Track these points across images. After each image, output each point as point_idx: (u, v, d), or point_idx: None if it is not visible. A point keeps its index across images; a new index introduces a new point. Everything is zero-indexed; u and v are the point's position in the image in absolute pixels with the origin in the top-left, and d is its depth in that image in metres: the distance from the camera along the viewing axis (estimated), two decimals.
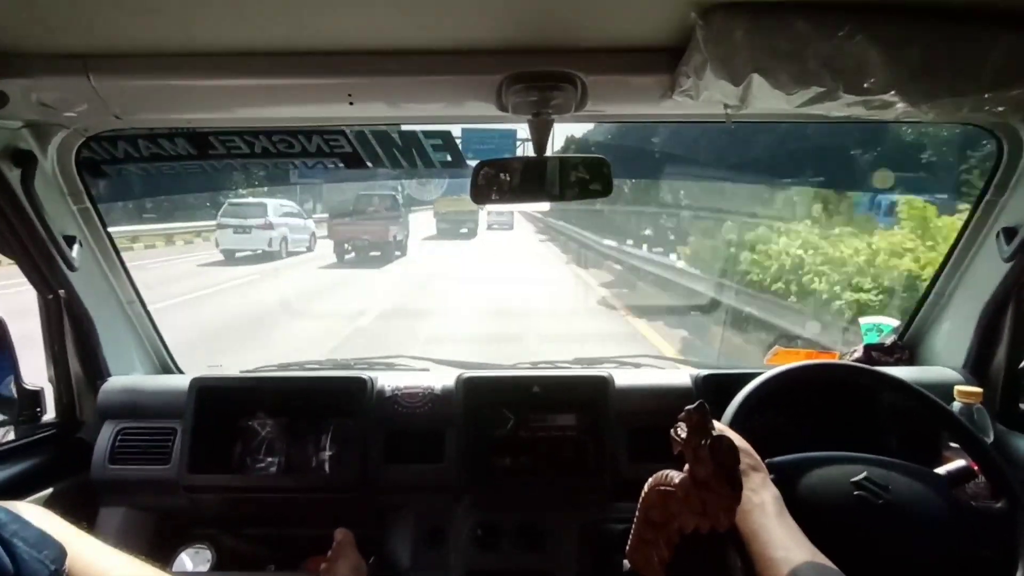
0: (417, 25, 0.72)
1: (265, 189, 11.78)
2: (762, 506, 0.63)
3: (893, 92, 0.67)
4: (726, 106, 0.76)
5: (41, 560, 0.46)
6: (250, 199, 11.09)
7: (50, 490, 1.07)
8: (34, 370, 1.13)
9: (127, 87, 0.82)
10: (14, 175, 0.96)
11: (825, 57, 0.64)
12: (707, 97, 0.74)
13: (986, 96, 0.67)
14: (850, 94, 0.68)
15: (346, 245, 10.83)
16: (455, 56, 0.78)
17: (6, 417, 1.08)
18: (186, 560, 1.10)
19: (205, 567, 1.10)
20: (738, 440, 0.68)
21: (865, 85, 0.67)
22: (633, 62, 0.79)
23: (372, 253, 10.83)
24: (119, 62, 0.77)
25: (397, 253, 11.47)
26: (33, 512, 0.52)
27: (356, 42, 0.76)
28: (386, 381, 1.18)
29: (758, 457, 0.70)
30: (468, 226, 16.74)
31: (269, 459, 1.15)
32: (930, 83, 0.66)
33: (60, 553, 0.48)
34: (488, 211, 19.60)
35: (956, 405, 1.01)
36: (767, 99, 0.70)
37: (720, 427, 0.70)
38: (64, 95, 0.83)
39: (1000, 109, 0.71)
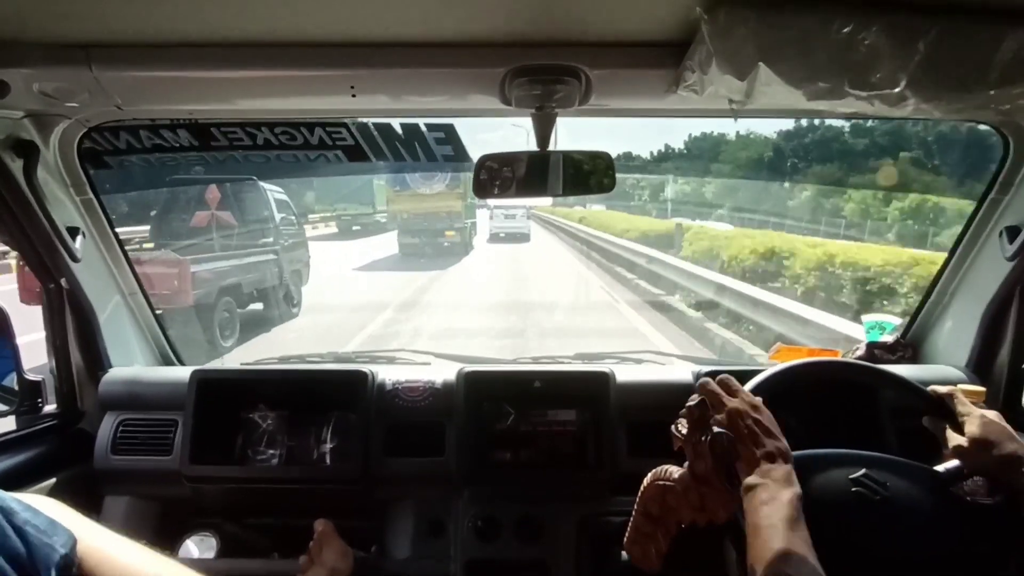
0: (421, 17, 0.71)
1: None
2: (777, 504, 0.58)
3: (900, 88, 0.66)
4: (731, 101, 0.76)
5: (51, 544, 0.47)
6: None
7: (53, 480, 1.08)
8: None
9: (129, 77, 0.81)
10: (16, 165, 0.96)
11: (832, 52, 0.64)
12: (712, 92, 0.74)
13: (993, 93, 0.67)
14: (856, 89, 0.67)
15: None
16: (458, 48, 0.77)
17: (8, 407, 1.09)
18: (191, 547, 1.11)
19: (210, 554, 1.11)
20: (767, 420, 0.66)
21: (872, 80, 0.66)
22: (638, 56, 0.78)
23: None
24: (121, 52, 0.77)
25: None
26: (44, 503, 0.53)
27: (359, 34, 0.75)
28: (387, 375, 1.18)
29: (786, 443, 0.65)
30: (449, 239, 9.02)
31: (271, 451, 1.16)
32: (937, 79, 0.66)
33: (70, 539, 0.49)
34: (492, 212, 13.79)
35: None
36: (772, 94, 0.70)
37: (748, 397, 0.68)
38: (65, 85, 0.82)
39: (1007, 107, 0.71)
